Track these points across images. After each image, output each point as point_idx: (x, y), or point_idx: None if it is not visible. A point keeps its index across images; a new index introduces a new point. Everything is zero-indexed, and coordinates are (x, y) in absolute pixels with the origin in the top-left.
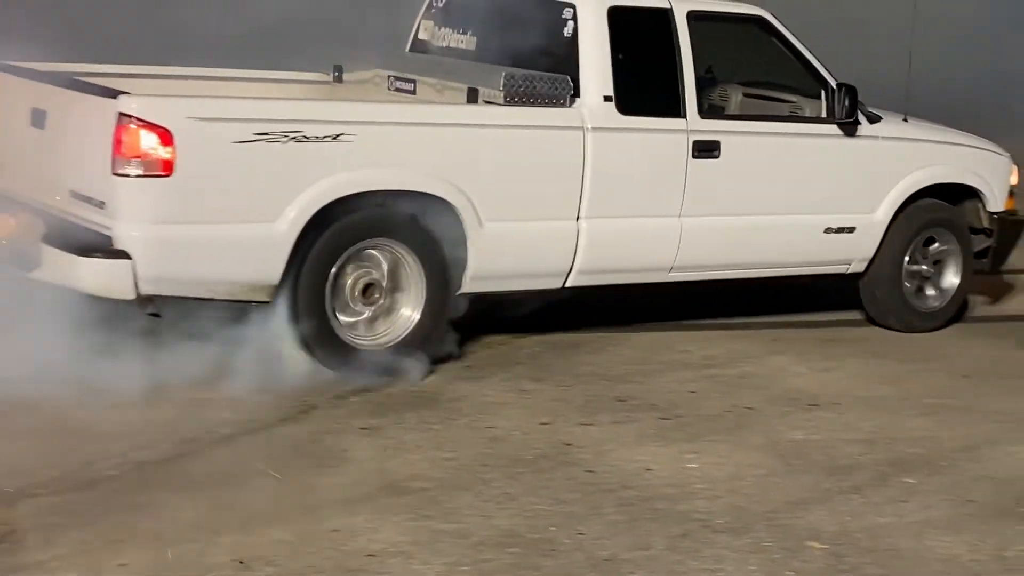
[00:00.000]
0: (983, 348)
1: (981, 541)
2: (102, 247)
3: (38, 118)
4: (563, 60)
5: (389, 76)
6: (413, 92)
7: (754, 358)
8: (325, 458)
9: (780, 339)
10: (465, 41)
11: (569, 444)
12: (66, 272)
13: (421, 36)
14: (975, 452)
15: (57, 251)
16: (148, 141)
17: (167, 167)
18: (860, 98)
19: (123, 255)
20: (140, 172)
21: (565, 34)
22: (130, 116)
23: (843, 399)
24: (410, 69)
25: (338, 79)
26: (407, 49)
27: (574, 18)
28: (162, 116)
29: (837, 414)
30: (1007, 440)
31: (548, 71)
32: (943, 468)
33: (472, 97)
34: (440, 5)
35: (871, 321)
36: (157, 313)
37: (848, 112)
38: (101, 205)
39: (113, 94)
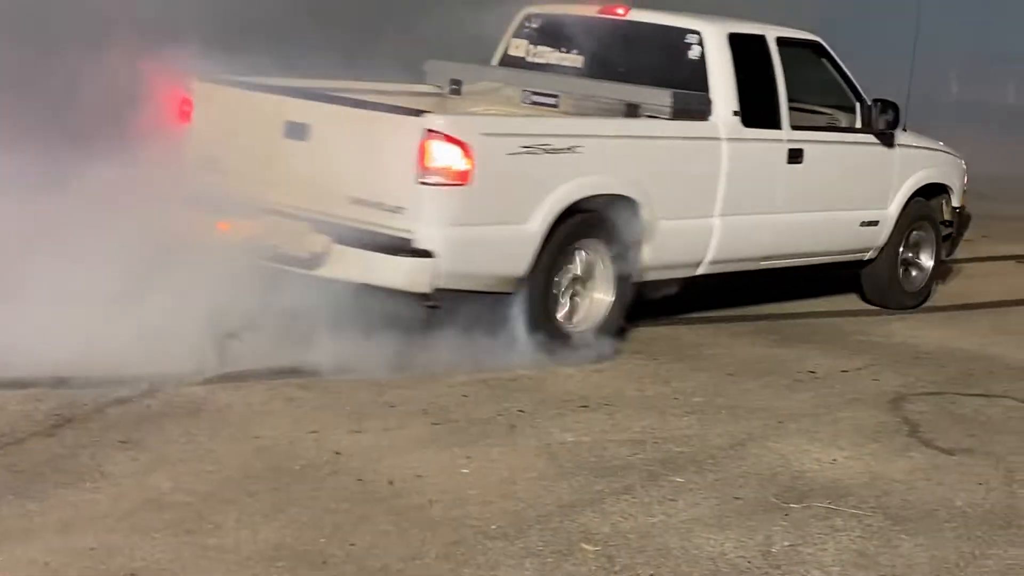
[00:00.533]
0: (747, 347)
1: (747, 537)
2: (406, 247)
3: (295, 131)
4: (692, 80)
5: (524, 90)
6: (556, 106)
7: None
8: (81, 473)
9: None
10: (570, 59)
11: (338, 453)
12: (366, 269)
13: (512, 52)
14: (740, 449)
15: (357, 251)
16: (450, 154)
17: (464, 177)
18: None
19: (426, 254)
20: (442, 181)
21: (692, 57)
22: (436, 132)
23: (614, 400)
24: (526, 83)
25: (455, 91)
26: (495, 64)
27: (701, 43)
28: (463, 132)
29: (608, 415)
30: (769, 436)
31: (677, 89)
32: (710, 466)
33: (632, 112)
34: (535, 25)
35: (868, 302)
36: (436, 305)
37: (891, 124)
38: (397, 210)
39: (417, 113)
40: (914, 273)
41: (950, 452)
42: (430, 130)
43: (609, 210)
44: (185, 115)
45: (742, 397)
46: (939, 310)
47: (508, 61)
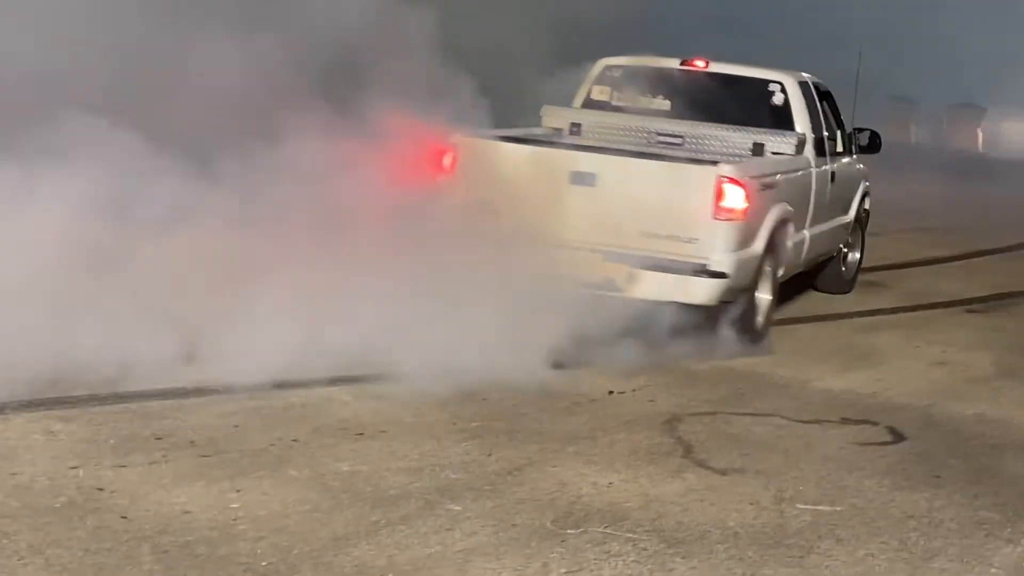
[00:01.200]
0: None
1: (524, 566)
2: (704, 270)
3: (583, 179)
4: (777, 121)
5: (651, 131)
6: (681, 145)
7: (300, 387)
8: None
9: (326, 366)
10: (658, 104)
11: (101, 489)
12: (668, 289)
13: (595, 97)
14: (518, 475)
15: (658, 274)
16: (736, 195)
17: (744, 212)
18: None
19: (721, 275)
20: (730, 216)
21: (775, 102)
22: (727, 177)
23: (391, 427)
24: (646, 126)
25: (575, 133)
26: (579, 107)
27: (784, 91)
28: (743, 176)
29: (385, 442)
30: (548, 461)
31: (767, 128)
32: (488, 492)
33: (759, 150)
34: (616, 75)
35: (819, 290)
36: (716, 314)
37: (876, 148)
38: (691, 241)
39: (713, 162)
40: (849, 265)
41: (723, 472)
42: (723, 176)
43: (781, 229)
44: (444, 166)
45: (520, 422)
46: None
47: (591, 104)
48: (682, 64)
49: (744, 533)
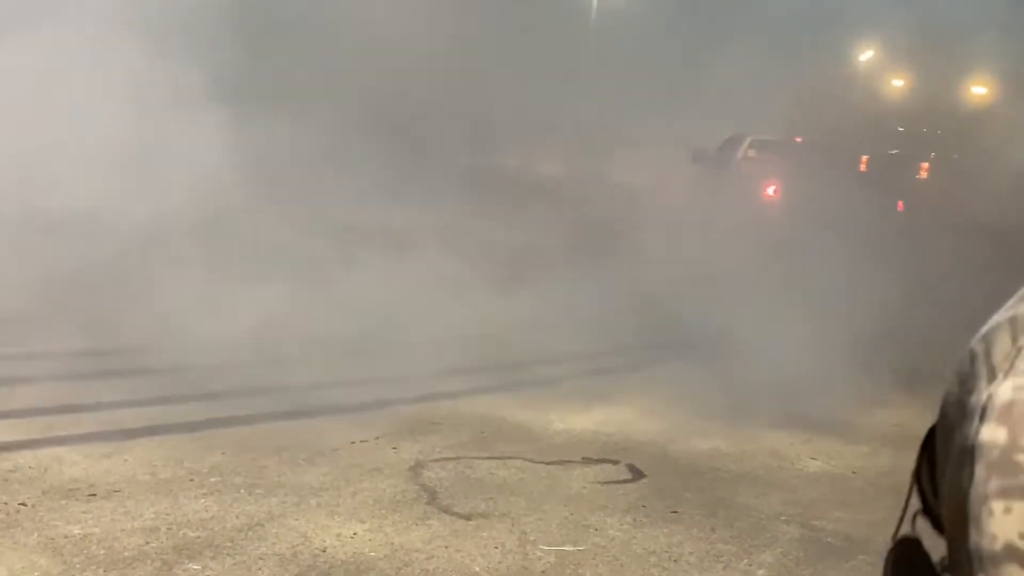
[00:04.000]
0: (261, 420)
1: None
2: None
3: None
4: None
5: None
6: None
7: (26, 448)
8: None
9: (55, 425)
10: None
11: None
12: None
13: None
14: (259, 529)
15: None
16: None
17: None
18: None
19: None
20: None
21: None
22: None
23: (125, 485)
24: None
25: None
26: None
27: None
28: None
29: (118, 502)
30: (289, 514)
31: None
32: (228, 550)
33: None
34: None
35: None
36: None
37: None
38: None
39: None
40: None
41: (467, 517)
42: None
43: None
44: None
45: (261, 474)
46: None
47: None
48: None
49: None
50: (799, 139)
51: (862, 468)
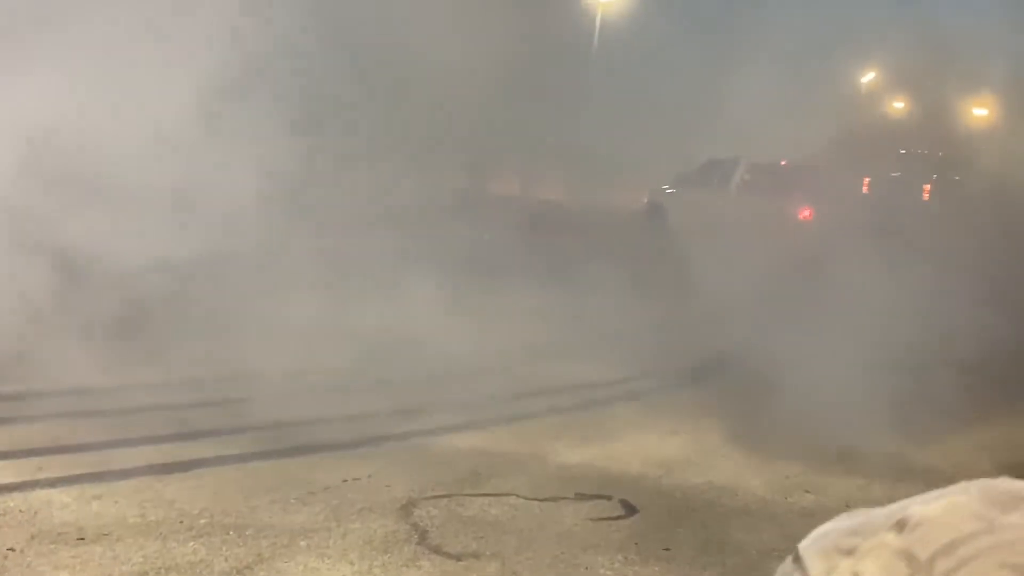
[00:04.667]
0: (254, 459)
1: None
2: None
3: None
4: None
5: None
6: None
7: (16, 491)
8: None
9: (45, 466)
10: None
11: None
12: None
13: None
14: (247, 572)
15: None
16: None
17: None
18: None
19: None
20: None
21: None
22: None
23: (114, 528)
24: None
25: None
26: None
27: None
28: None
29: (107, 546)
30: (278, 556)
31: None
32: None
33: None
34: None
35: None
36: None
37: None
38: None
39: None
40: None
41: (457, 558)
42: None
43: None
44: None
45: (251, 515)
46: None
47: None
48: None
49: None
50: (784, 162)
51: (855, 501)
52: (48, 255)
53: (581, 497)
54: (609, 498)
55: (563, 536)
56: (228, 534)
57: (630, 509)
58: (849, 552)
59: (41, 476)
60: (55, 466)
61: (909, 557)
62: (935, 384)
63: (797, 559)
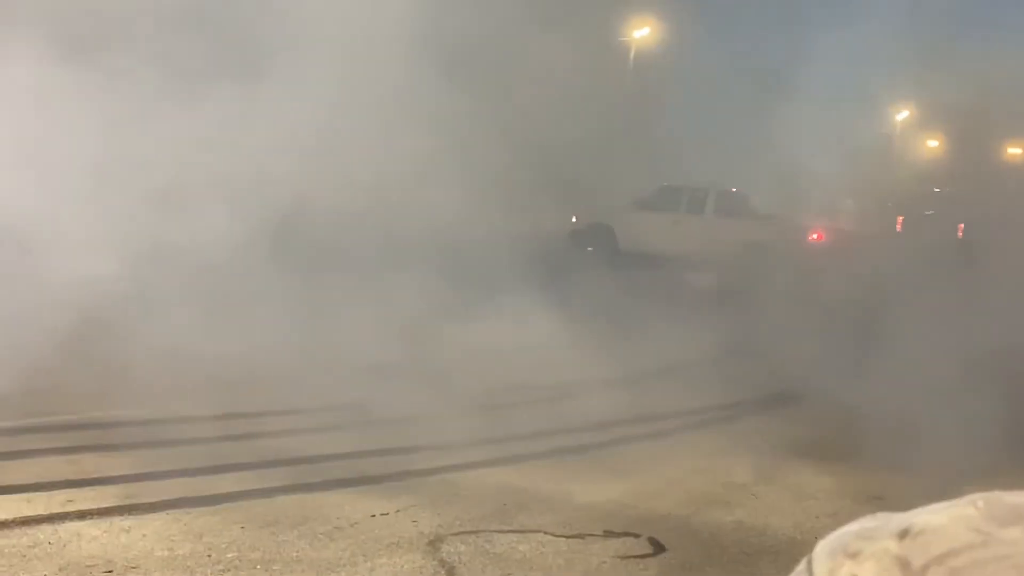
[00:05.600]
0: (280, 492)
1: None
2: None
3: None
4: None
5: None
6: None
7: (46, 523)
8: None
9: (75, 499)
10: None
11: None
12: None
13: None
14: None
15: None
16: None
17: None
18: None
19: None
20: None
21: None
22: None
23: (142, 562)
24: None
25: None
26: None
27: None
28: None
29: None
30: None
31: None
32: None
33: None
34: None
35: None
36: None
37: None
38: None
39: None
40: None
41: None
42: None
43: None
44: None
45: (279, 550)
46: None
47: None
48: None
49: None
50: (734, 189)
51: None
52: (79, 288)
53: (609, 534)
54: (637, 536)
55: (590, 574)
56: (255, 568)
57: (658, 547)
58: (854, 555)
59: (71, 508)
60: (85, 498)
61: (904, 564)
62: (979, 416)
63: (810, 559)
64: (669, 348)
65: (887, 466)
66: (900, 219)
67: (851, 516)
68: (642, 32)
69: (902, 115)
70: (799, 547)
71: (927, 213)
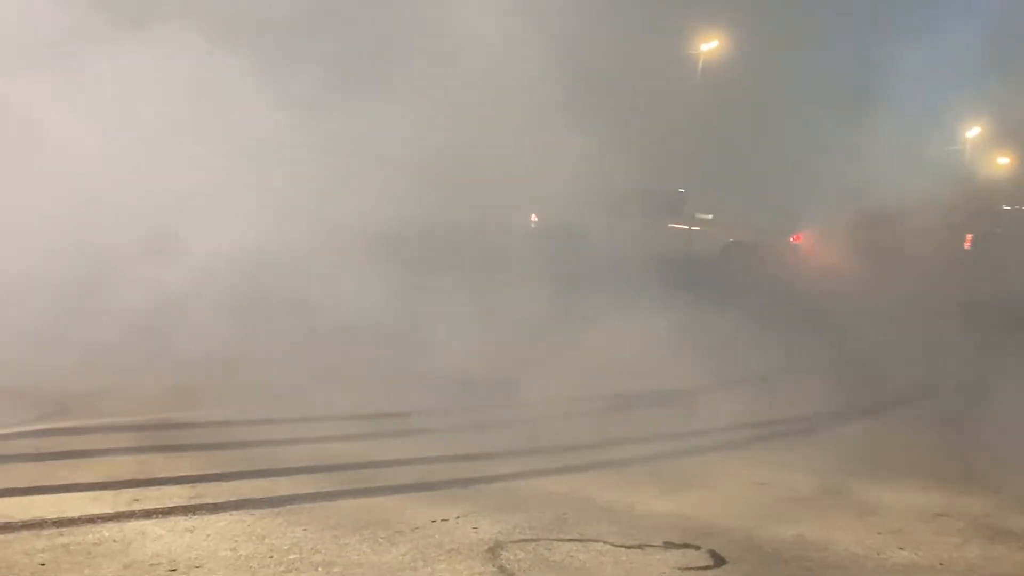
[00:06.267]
0: (346, 497)
1: None
2: None
3: None
4: None
5: None
6: None
7: (112, 521)
8: None
9: (141, 498)
10: None
11: None
12: None
13: None
14: None
15: None
16: None
17: None
18: None
19: None
20: None
21: None
22: None
23: (206, 561)
24: None
25: None
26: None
27: None
28: None
29: None
30: None
31: None
32: None
33: None
34: None
35: None
36: None
37: None
38: None
39: None
40: None
41: None
42: None
43: None
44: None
45: (340, 553)
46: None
47: None
48: None
49: None
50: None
51: (950, 561)
52: (150, 292)
53: (669, 546)
54: (698, 548)
55: None
56: (316, 570)
57: (719, 560)
58: None
59: (136, 507)
60: (150, 498)
61: None
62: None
63: None
64: (746, 359)
65: (952, 483)
66: (969, 237)
67: (914, 533)
68: (710, 45)
69: (973, 131)
70: (861, 562)
71: (996, 231)
